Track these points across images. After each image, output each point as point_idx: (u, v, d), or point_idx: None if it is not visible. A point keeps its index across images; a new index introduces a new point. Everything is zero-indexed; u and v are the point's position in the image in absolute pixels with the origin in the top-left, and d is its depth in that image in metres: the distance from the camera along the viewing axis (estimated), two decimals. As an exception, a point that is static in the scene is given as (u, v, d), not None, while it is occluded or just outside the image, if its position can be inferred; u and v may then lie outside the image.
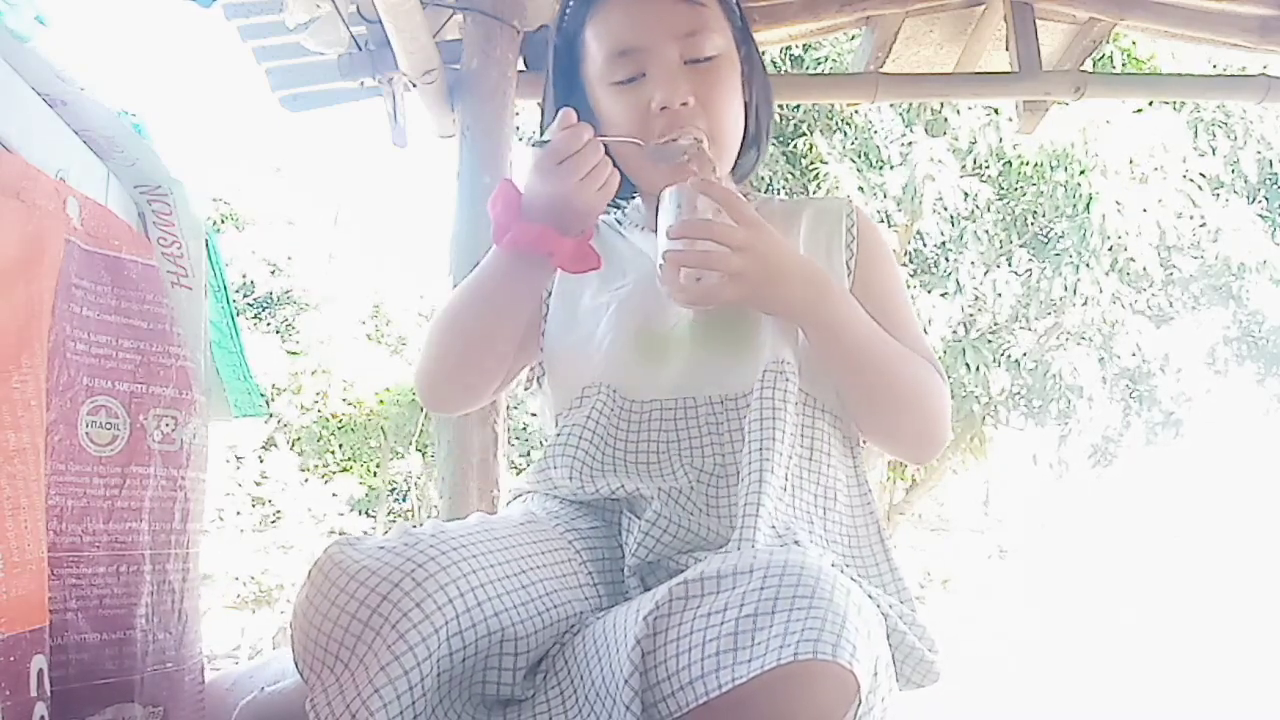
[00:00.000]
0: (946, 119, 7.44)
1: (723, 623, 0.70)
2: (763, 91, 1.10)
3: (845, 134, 7.69)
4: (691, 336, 1.01)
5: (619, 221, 1.15)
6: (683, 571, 0.79)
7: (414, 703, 0.72)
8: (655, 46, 1.00)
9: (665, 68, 1.00)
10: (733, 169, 1.09)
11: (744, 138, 1.08)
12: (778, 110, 1.18)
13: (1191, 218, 7.70)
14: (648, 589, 0.88)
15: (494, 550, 0.82)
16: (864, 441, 1.05)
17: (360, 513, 11.48)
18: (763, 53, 1.14)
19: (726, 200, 0.90)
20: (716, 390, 0.98)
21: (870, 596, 0.85)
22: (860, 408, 1.00)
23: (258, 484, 10.51)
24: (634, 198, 1.14)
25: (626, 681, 0.72)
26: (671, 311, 1.01)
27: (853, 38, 5.60)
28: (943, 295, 7.82)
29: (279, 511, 10.57)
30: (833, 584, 0.70)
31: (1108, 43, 3.57)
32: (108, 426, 0.97)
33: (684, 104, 0.99)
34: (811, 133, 7.54)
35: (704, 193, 0.90)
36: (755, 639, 0.68)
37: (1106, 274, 7.73)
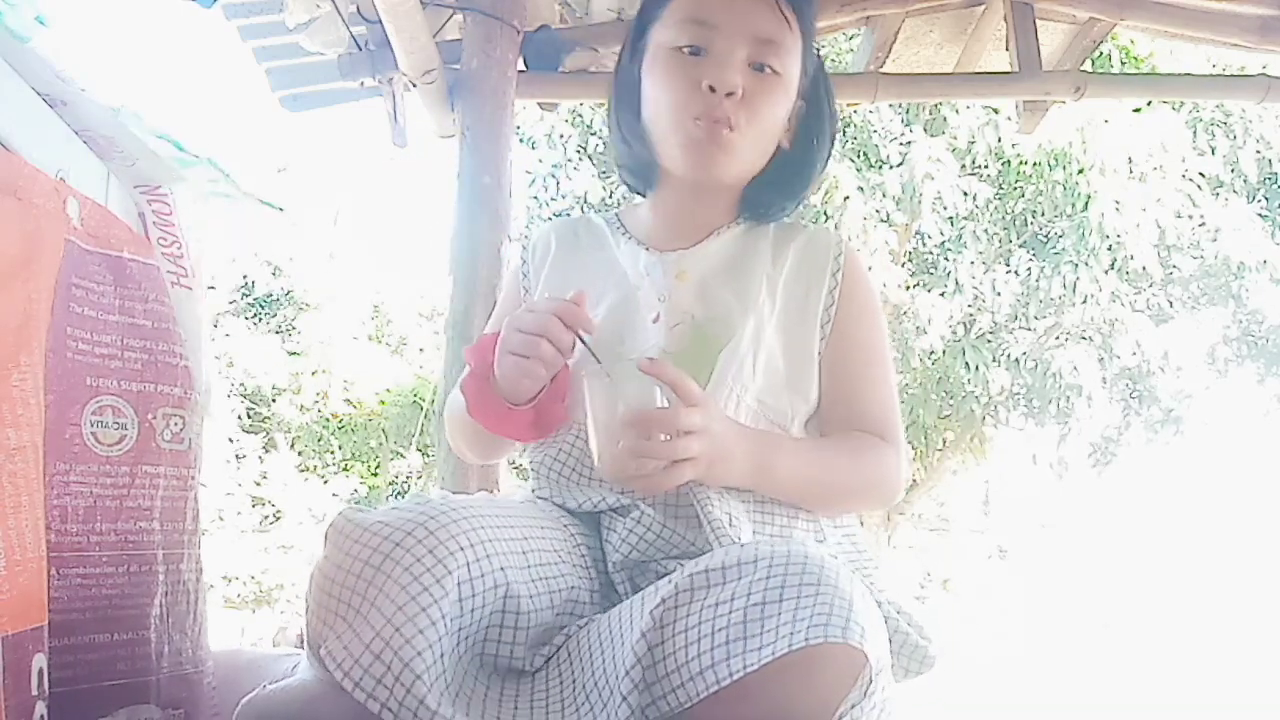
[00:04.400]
0: (945, 119, 7.45)
1: (730, 613, 0.71)
2: (818, 148, 1.07)
3: (844, 134, 7.70)
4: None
5: (605, 225, 1.13)
6: (671, 574, 0.79)
7: (440, 639, 0.73)
8: (729, 32, 0.99)
9: (728, 54, 0.98)
10: (746, 202, 1.07)
11: (779, 183, 1.06)
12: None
13: (1191, 217, 7.72)
14: (636, 588, 0.89)
15: (499, 517, 0.84)
16: None
17: (360, 513, 11.46)
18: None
19: (677, 382, 0.86)
20: None
21: None
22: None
23: (258, 484, 10.50)
24: (637, 196, 1.13)
25: (628, 673, 0.73)
26: (641, 338, 1.00)
27: (852, 38, 5.61)
28: (942, 295, 7.83)
29: (279, 511, 10.57)
30: (837, 571, 0.72)
31: (1107, 42, 3.57)
32: (115, 426, 0.96)
33: (730, 94, 0.97)
34: (811, 133, 7.54)
35: (654, 374, 0.85)
36: (765, 627, 0.69)
37: (1106, 273, 7.74)
